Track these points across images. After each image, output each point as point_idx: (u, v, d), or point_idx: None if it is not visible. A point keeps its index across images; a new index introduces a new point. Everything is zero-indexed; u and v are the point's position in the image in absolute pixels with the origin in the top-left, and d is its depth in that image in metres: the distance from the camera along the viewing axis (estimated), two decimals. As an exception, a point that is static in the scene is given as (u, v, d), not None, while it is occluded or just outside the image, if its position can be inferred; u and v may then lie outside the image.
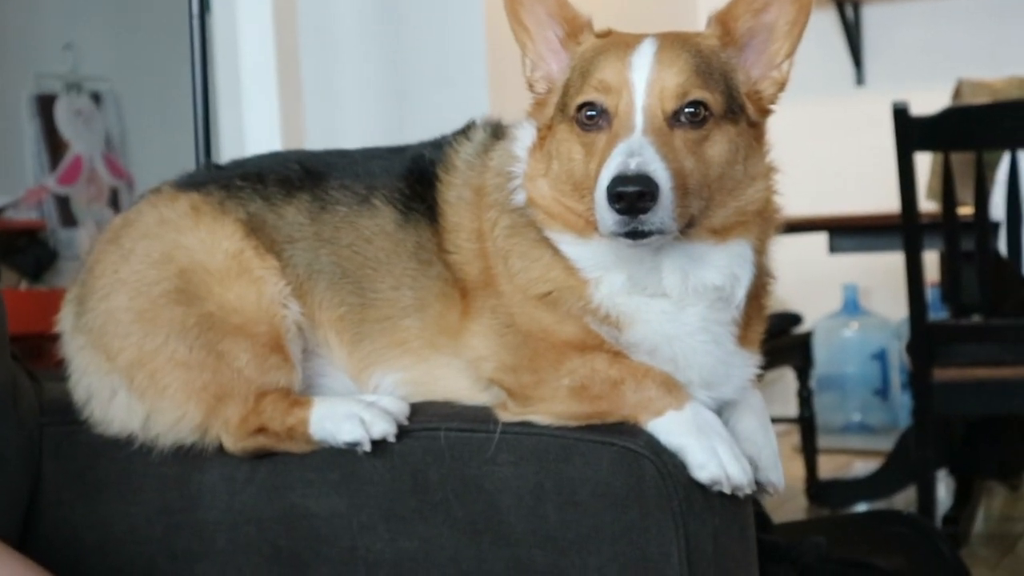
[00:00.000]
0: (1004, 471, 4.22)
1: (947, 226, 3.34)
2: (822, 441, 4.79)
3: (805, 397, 4.46)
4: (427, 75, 4.08)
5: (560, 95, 1.56)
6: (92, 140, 6.16)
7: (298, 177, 1.73)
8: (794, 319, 4.41)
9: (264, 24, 3.90)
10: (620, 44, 1.52)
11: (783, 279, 1.69)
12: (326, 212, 1.69)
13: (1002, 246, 3.36)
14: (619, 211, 1.39)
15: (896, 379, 5.53)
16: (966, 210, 3.44)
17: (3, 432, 1.68)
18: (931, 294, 4.50)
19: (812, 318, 5.21)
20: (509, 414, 1.54)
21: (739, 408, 1.59)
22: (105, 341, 1.67)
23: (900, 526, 2.27)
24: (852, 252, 4.19)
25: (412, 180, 1.68)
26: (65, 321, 1.74)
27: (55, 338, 1.75)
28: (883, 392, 5.54)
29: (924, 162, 3.66)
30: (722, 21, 1.55)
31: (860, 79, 5.69)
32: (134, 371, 1.64)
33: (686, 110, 1.46)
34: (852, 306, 5.57)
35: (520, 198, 1.57)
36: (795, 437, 4.79)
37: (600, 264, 1.52)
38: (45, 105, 6.07)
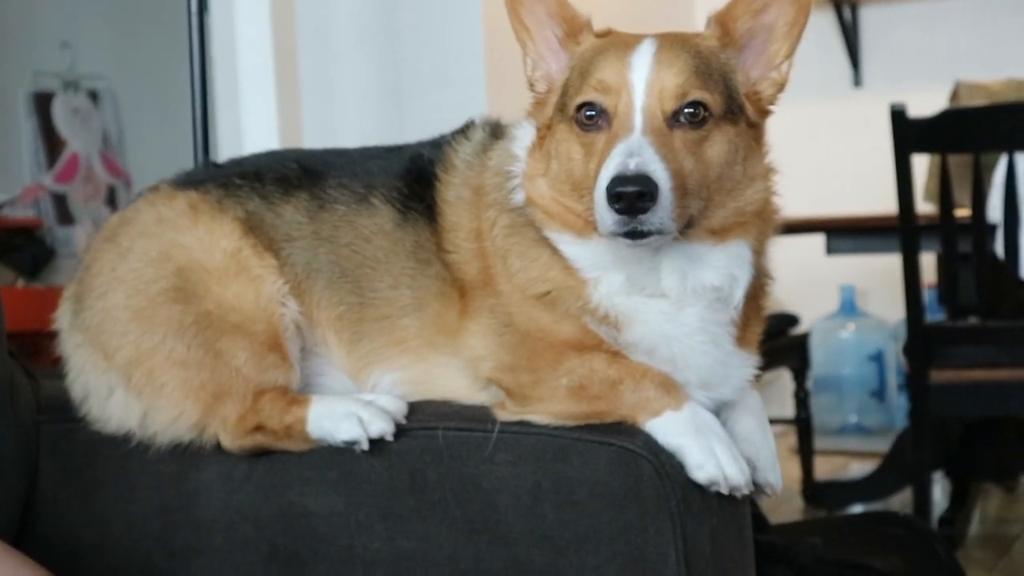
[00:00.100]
0: (1000, 473, 4.21)
1: (944, 228, 3.34)
2: (818, 442, 4.79)
3: (802, 398, 4.46)
4: (425, 74, 4.08)
5: (559, 95, 1.56)
6: (89, 138, 6.16)
7: (296, 176, 1.72)
8: (791, 320, 4.41)
9: (262, 23, 3.90)
10: (619, 44, 1.52)
11: (780, 280, 1.69)
12: (324, 211, 1.69)
13: (999, 248, 3.37)
14: (618, 211, 1.38)
15: (893, 380, 5.52)
16: (963, 212, 3.45)
17: (0, 430, 1.68)
18: (928, 296, 4.50)
19: (809, 319, 5.21)
20: (507, 413, 1.54)
21: (737, 409, 1.59)
22: (103, 339, 1.66)
23: (896, 527, 2.27)
24: (849, 253, 4.20)
25: (411, 179, 1.68)
26: (62, 319, 1.74)
27: (52, 336, 1.75)
28: (880, 393, 5.53)
29: (921, 164, 3.66)
30: (721, 22, 1.55)
31: (858, 81, 5.68)
32: (132, 369, 1.64)
33: (685, 110, 1.46)
34: (849, 307, 5.56)
35: (519, 198, 1.57)
36: (791, 438, 4.78)
37: (599, 264, 1.52)
38: (42, 103, 6.07)
